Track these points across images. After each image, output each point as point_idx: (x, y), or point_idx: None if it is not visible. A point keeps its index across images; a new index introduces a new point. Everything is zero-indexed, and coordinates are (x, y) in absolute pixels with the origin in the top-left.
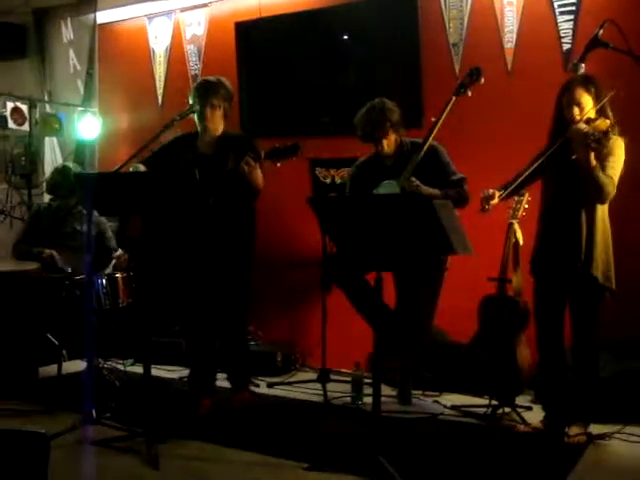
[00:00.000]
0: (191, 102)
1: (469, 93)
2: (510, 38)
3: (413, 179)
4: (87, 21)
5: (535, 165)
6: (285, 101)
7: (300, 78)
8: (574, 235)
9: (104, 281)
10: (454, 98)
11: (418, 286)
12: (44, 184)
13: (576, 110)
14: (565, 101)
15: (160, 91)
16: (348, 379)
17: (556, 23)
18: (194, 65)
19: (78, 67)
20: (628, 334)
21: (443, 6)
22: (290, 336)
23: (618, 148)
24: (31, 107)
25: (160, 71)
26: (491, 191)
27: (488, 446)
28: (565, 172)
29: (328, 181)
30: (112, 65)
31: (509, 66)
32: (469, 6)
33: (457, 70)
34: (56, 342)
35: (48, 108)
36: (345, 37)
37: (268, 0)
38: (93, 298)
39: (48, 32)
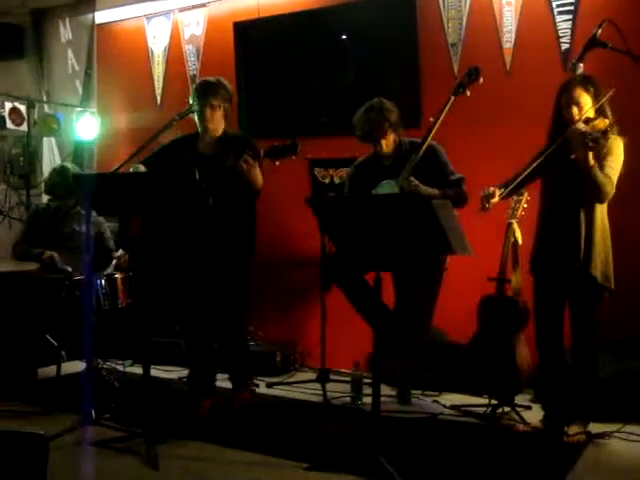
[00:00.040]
0: (191, 102)
1: (468, 93)
2: (509, 38)
3: (412, 179)
4: (85, 21)
5: (534, 164)
6: (284, 101)
7: (299, 78)
8: (573, 235)
9: (103, 281)
10: (453, 98)
11: (417, 286)
12: (42, 184)
13: (575, 110)
14: (564, 101)
15: (159, 91)
16: (347, 379)
17: (555, 23)
18: (192, 65)
19: (76, 67)
20: (627, 334)
21: (442, 6)
22: (289, 336)
23: (617, 148)
24: (29, 107)
25: (158, 71)
26: (491, 189)
27: (488, 446)
28: (564, 172)
29: (327, 181)
30: (110, 65)
31: (508, 66)
32: (468, 6)
33: (456, 70)
34: (55, 343)
35: (46, 108)
36: (344, 37)
37: (267, 0)
38: (92, 299)
39: (46, 32)
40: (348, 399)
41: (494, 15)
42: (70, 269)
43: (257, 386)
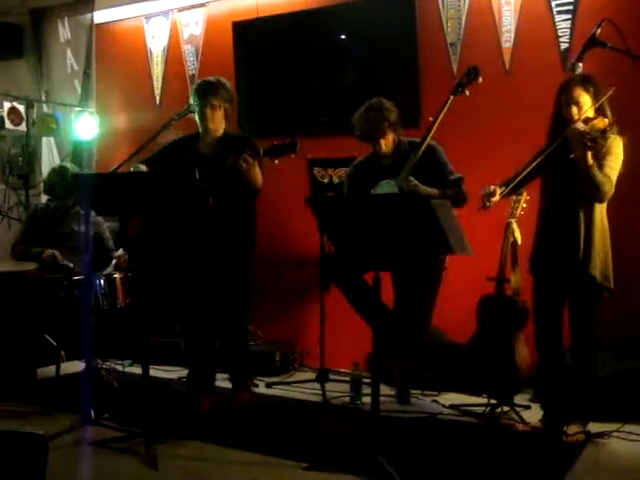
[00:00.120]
0: (192, 102)
1: (467, 92)
2: (508, 38)
3: (411, 179)
4: (84, 21)
5: (534, 164)
6: (283, 101)
7: (298, 78)
8: (572, 234)
9: (102, 281)
10: (452, 97)
11: (416, 286)
12: (41, 184)
13: (574, 109)
14: (564, 100)
15: (158, 91)
16: (347, 379)
17: (554, 22)
18: (191, 65)
19: (75, 67)
20: (627, 333)
21: (441, 6)
22: (289, 336)
23: (616, 147)
24: (28, 107)
25: (157, 71)
26: (492, 188)
27: (487, 445)
28: (564, 171)
29: (326, 181)
30: (109, 65)
31: (507, 66)
32: (467, 6)
33: (455, 70)
34: (54, 343)
35: (45, 108)
36: (343, 37)
37: (265, 0)
38: (91, 298)
39: (45, 32)
40: (347, 399)
41: (493, 15)
42: (71, 265)
43: (256, 386)
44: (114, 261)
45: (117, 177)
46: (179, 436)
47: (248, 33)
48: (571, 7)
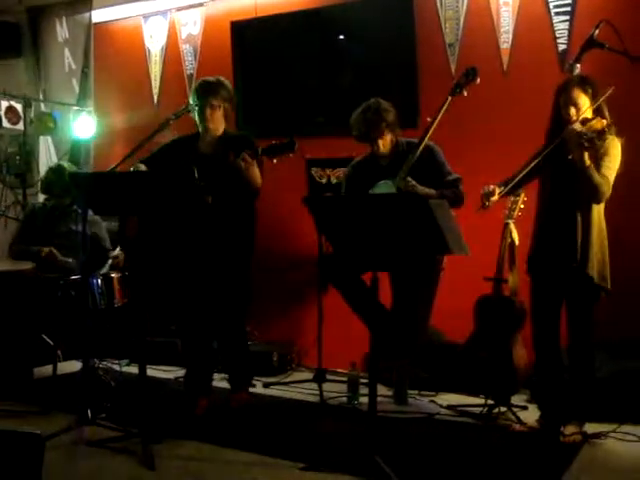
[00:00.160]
0: (191, 102)
1: (465, 93)
2: (506, 38)
3: (409, 179)
4: (82, 20)
5: (532, 165)
6: (281, 101)
7: (296, 78)
8: (570, 235)
9: (99, 281)
10: (450, 98)
11: (414, 286)
12: (39, 183)
13: (573, 110)
14: (562, 101)
15: (156, 90)
16: (344, 379)
17: (552, 24)
18: (190, 65)
19: (73, 66)
20: (624, 334)
21: (439, 6)
22: (286, 336)
23: (614, 148)
24: (26, 106)
25: (155, 70)
26: (492, 187)
27: (484, 446)
28: (561, 172)
29: (324, 181)
30: (107, 64)
31: (505, 66)
32: (465, 6)
33: (453, 70)
34: (51, 342)
35: (43, 107)
36: (341, 37)
37: (264, 0)
38: (89, 298)
39: (43, 31)
40: (345, 399)
41: (491, 15)
42: (71, 260)
43: (254, 386)
44: (110, 261)
45: (114, 176)
46: (176, 436)
47: (246, 33)
48: (569, 8)
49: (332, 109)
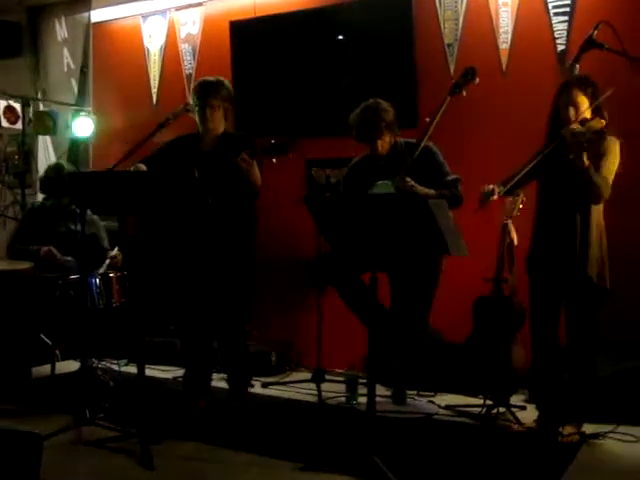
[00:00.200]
0: (191, 102)
1: (464, 93)
2: (505, 39)
3: (408, 179)
4: (81, 20)
5: (531, 165)
6: (280, 101)
7: (295, 78)
8: (569, 235)
9: (98, 281)
10: (449, 98)
11: (413, 287)
12: (37, 183)
13: (572, 111)
14: (561, 102)
15: (154, 90)
16: (343, 379)
17: (551, 24)
18: (188, 64)
19: (72, 66)
20: (623, 335)
21: (438, 6)
22: (285, 336)
23: (613, 149)
24: (24, 105)
25: (154, 70)
26: (491, 187)
27: (482, 446)
28: (560, 173)
29: (323, 181)
30: (106, 64)
31: (504, 67)
32: (464, 6)
33: (452, 70)
34: (49, 342)
35: (42, 106)
36: (340, 37)
37: None
38: (87, 298)
39: (42, 30)
40: (343, 399)
41: (490, 16)
42: (70, 259)
43: (252, 386)
44: (107, 261)
45: (113, 176)
46: (175, 436)
47: (245, 33)
48: (568, 9)
49: (331, 109)
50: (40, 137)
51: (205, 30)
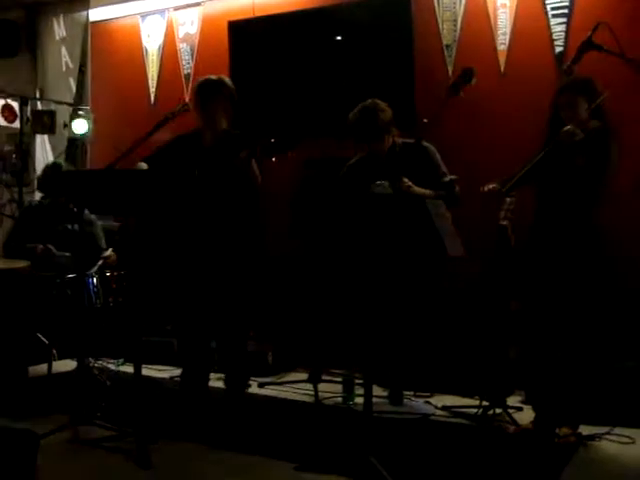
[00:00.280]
0: (193, 101)
1: (461, 94)
2: (503, 40)
3: (405, 180)
4: (80, 19)
5: (529, 166)
6: (278, 101)
7: (293, 78)
8: (566, 235)
9: (95, 280)
10: (447, 99)
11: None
12: (35, 182)
13: (570, 112)
14: (560, 103)
15: (152, 89)
16: (339, 379)
17: (549, 26)
18: (187, 64)
19: (70, 65)
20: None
21: (437, 7)
22: (281, 336)
23: (611, 150)
24: (23, 104)
25: (153, 69)
26: (491, 186)
27: (479, 447)
28: (557, 173)
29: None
30: (104, 63)
31: (502, 68)
32: (462, 8)
33: (450, 72)
34: (46, 341)
35: (40, 105)
36: (338, 38)
37: None
38: (84, 297)
39: (41, 29)
40: (340, 399)
41: (488, 17)
42: (68, 254)
43: (249, 386)
44: (100, 262)
45: (111, 175)
46: (171, 436)
47: (244, 32)
48: (566, 10)
49: (329, 109)
50: (38, 136)
51: (203, 30)
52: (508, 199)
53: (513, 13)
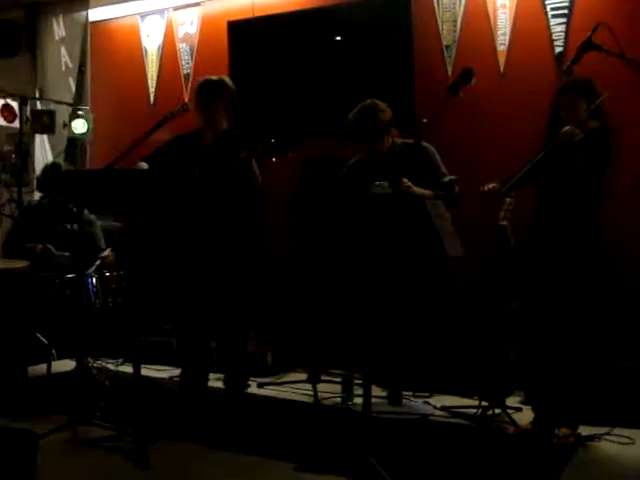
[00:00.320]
0: (194, 101)
1: (461, 94)
2: (503, 40)
3: (405, 180)
4: (79, 18)
5: (528, 167)
6: (278, 101)
7: (292, 78)
8: (566, 236)
9: (94, 280)
10: (446, 99)
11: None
12: (34, 182)
13: (569, 112)
14: (560, 104)
15: (152, 89)
16: (339, 380)
17: (548, 26)
18: (186, 64)
19: (70, 65)
20: (620, 335)
21: (436, 8)
22: (281, 336)
23: (610, 150)
24: (22, 104)
25: (152, 69)
26: (491, 185)
27: (478, 447)
28: (557, 174)
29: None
30: (104, 63)
31: (501, 68)
32: (462, 8)
33: (449, 72)
34: (45, 341)
35: (39, 105)
36: (338, 38)
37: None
38: (84, 297)
39: (40, 29)
40: (339, 400)
41: (488, 17)
42: (67, 254)
43: (248, 386)
44: (98, 262)
45: (110, 175)
46: (170, 436)
47: (243, 33)
48: (566, 11)
49: (329, 109)
50: (37, 136)
51: (203, 30)
52: (508, 199)
53: (513, 13)
